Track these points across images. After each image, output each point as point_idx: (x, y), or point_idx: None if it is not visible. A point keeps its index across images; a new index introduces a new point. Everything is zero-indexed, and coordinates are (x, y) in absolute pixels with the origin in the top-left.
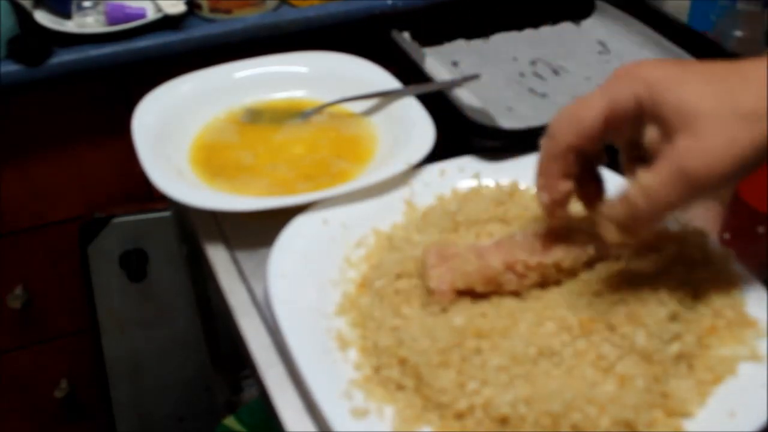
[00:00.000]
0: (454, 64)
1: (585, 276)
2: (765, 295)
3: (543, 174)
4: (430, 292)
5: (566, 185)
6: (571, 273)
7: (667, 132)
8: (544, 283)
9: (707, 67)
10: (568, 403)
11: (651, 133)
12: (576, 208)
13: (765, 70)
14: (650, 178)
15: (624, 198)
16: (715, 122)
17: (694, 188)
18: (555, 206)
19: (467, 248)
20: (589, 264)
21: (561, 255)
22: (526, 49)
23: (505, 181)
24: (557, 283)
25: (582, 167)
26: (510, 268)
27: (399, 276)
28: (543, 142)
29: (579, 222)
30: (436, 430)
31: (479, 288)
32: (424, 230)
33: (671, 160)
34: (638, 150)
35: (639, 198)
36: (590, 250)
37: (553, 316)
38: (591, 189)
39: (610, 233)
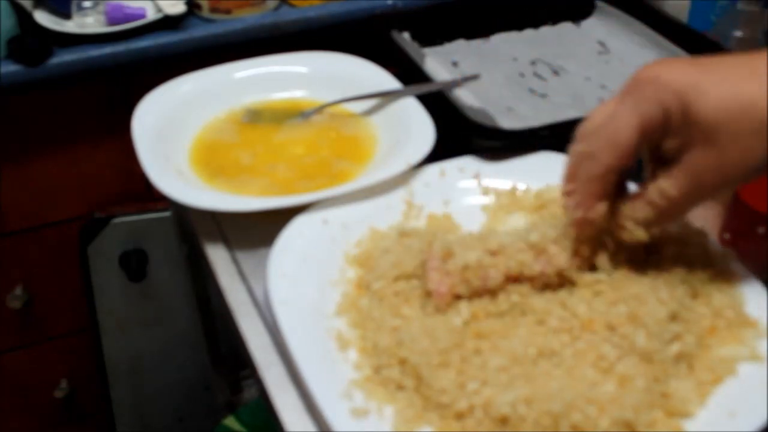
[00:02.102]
0: (454, 64)
1: (585, 277)
2: (765, 295)
3: (581, 192)
4: (428, 294)
5: (603, 207)
6: (571, 279)
7: (687, 141)
8: (544, 287)
9: (731, 71)
10: (568, 403)
11: (672, 142)
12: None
13: None
14: (669, 184)
15: (647, 200)
16: (733, 138)
17: (707, 195)
18: (587, 224)
19: (470, 252)
20: (591, 268)
21: (563, 263)
22: (526, 49)
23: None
24: (558, 284)
25: None
26: (511, 279)
27: (397, 278)
28: (583, 162)
29: None
30: (436, 430)
31: (478, 295)
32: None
33: (690, 171)
34: (657, 151)
35: (660, 201)
36: (595, 259)
37: (553, 317)
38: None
39: (635, 231)
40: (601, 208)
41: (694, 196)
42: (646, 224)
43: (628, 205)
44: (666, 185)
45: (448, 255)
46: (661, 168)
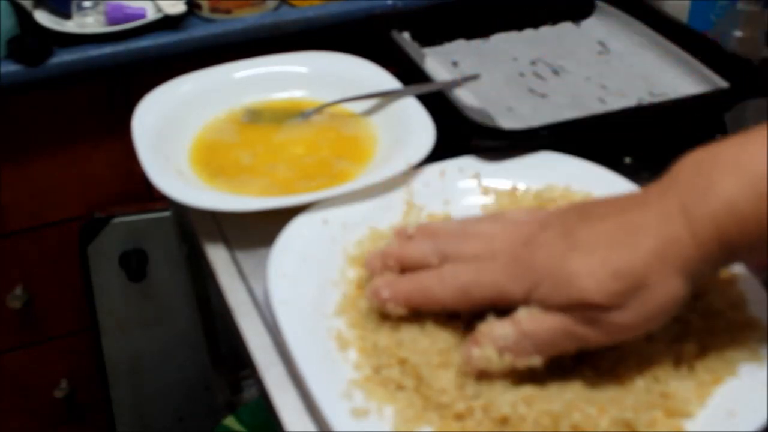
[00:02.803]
0: (454, 64)
1: None
2: (765, 295)
3: (396, 283)
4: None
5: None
6: None
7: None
8: None
9: (598, 246)
10: (568, 403)
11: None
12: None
13: (652, 244)
14: (540, 313)
15: (513, 321)
16: (609, 300)
17: (580, 339)
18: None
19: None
20: None
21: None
22: (526, 49)
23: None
24: None
25: None
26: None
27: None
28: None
29: None
30: (436, 430)
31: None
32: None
33: (563, 312)
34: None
35: (527, 325)
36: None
37: None
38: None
39: (486, 350)
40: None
41: (563, 335)
42: (503, 346)
43: (487, 322)
44: (536, 312)
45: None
46: None
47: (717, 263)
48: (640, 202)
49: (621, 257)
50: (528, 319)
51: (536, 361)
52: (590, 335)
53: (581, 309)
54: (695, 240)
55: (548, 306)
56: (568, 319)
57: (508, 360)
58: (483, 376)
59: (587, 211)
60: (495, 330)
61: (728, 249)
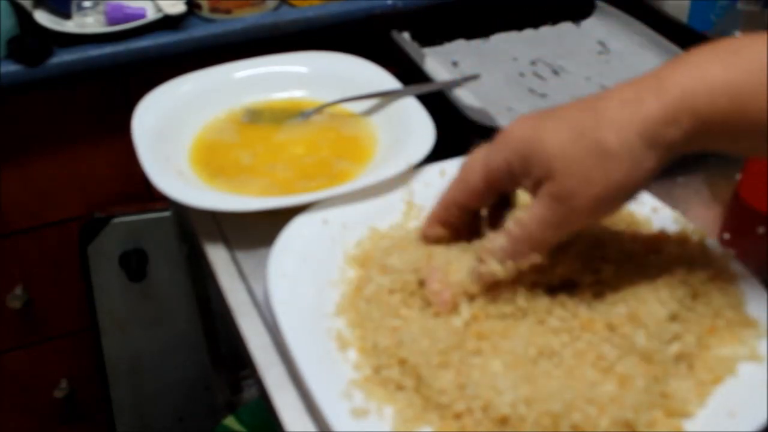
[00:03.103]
0: (454, 64)
1: (586, 277)
2: (765, 295)
3: (429, 213)
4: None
5: (438, 230)
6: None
7: (536, 181)
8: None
9: (568, 113)
10: (568, 403)
11: (526, 185)
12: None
13: (616, 107)
14: (523, 213)
15: (503, 231)
16: (570, 165)
17: (560, 226)
18: (426, 239)
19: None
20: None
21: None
22: (526, 49)
23: None
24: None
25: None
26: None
27: (392, 291)
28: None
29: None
30: (436, 430)
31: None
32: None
33: (539, 201)
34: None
35: (514, 229)
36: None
37: (553, 317)
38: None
39: (491, 264)
40: (436, 231)
41: (545, 224)
42: (502, 255)
43: (487, 238)
44: (520, 214)
45: (448, 266)
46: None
47: (688, 135)
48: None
49: (582, 122)
50: (515, 224)
51: (536, 258)
52: (569, 216)
53: (549, 183)
54: (659, 101)
55: (533, 187)
56: (545, 209)
57: (511, 266)
58: (494, 289)
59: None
60: (492, 243)
61: (698, 119)
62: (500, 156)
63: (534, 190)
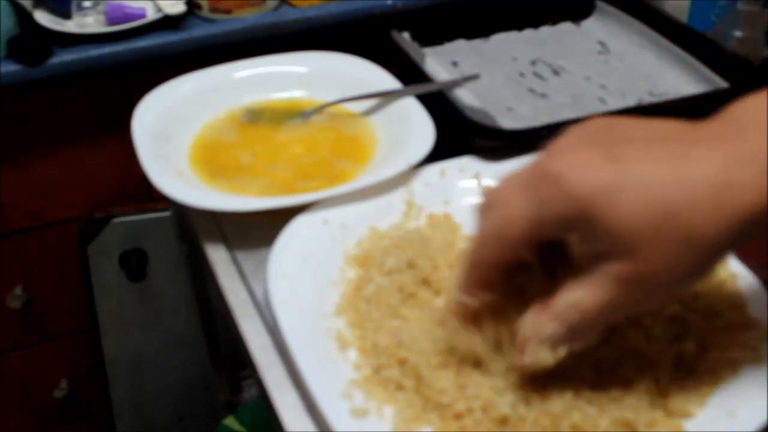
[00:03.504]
0: (454, 64)
1: None
2: (765, 295)
3: (463, 274)
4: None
5: (481, 296)
6: None
7: (600, 250)
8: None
9: (646, 169)
10: (568, 403)
11: (580, 248)
12: None
13: (708, 188)
14: (583, 296)
15: (554, 314)
16: (653, 251)
17: (627, 310)
18: (464, 308)
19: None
20: None
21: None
22: (526, 49)
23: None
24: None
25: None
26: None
27: (392, 291)
28: (470, 249)
29: None
30: (435, 430)
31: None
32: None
33: (607, 282)
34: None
35: (571, 315)
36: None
37: None
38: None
39: (540, 354)
40: (481, 296)
41: (611, 310)
42: (554, 343)
43: (528, 321)
44: (579, 297)
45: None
46: (566, 271)
47: None
48: (694, 138)
49: (669, 193)
50: (570, 308)
51: (591, 339)
52: (641, 302)
53: (620, 264)
54: (760, 186)
55: (589, 256)
56: (612, 293)
57: (563, 351)
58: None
59: (622, 132)
60: (537, 332)
61: None
62: (553, 211)
63: (591, 261)
